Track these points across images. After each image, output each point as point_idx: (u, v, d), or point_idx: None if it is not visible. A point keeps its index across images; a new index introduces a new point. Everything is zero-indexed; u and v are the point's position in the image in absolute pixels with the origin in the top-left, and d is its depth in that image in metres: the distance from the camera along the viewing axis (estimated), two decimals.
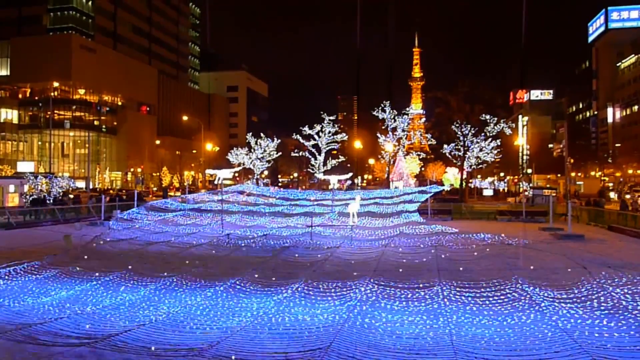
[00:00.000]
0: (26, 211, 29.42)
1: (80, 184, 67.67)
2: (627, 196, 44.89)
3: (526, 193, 52.16)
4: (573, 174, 76.55)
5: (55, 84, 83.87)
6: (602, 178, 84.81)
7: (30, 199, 33.80)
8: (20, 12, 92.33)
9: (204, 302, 10.14)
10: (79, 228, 24.04)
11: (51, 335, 8.01)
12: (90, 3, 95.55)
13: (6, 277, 12.24)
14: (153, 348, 7.39)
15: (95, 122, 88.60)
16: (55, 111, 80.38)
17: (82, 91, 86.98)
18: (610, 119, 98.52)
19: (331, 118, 59.38)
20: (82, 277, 12.42)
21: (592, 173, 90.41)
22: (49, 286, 11.47)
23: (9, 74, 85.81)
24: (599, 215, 28.51)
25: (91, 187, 68.92)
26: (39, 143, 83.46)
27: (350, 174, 45.74)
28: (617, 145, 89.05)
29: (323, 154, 59.94)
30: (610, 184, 78.35)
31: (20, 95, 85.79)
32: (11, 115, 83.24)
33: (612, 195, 60.22)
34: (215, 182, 43.39)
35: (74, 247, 17.84)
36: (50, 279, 12.28)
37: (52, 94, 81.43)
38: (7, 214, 26.13)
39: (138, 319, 9.01)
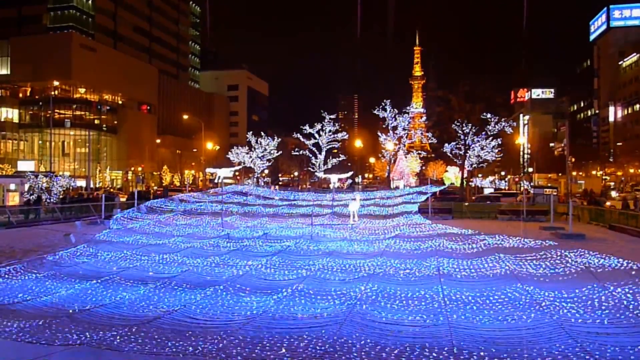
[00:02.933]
0: (60, 208, 29.94)
1: (81, 183, 67.65)
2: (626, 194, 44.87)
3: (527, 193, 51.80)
4: (574, 173, 76.36)
5: (56, 83, 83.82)
6: (604, 177, 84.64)
7: (61, 197, 34.48)
8: (21, 12, 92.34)
9: None
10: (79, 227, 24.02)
11: None
12: (90, 2, 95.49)
13: None
14: None
15: (96, 121, 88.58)
16: (56, 110, 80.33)
17: (82, 90, 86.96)
18: (611, 118, 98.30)
19: (332, 117, 59.13)
20: None
21: (594, 172, 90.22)
22: None
23: (9, 73, 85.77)
24: (600, 215, 28.39)
25: (92, 186, 68.94)
26: (40, 142, 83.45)
27: (351, 173, 45.69)
28: (618, 144, 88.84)
29: (323, 153, 59.78)
30: (612, 183, 78.18)
31: (20, 95, 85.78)
32: (12, 114, 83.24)
33: (614, 194, 60.12)
34: (216, 181, 43.38)
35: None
36: None
37: (53, 93, 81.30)
38: (7, 213, 26.16)
39: None
